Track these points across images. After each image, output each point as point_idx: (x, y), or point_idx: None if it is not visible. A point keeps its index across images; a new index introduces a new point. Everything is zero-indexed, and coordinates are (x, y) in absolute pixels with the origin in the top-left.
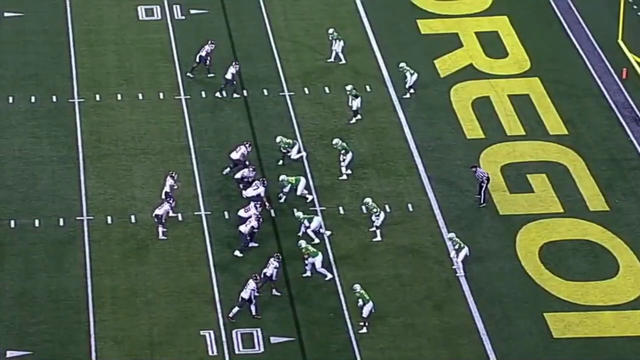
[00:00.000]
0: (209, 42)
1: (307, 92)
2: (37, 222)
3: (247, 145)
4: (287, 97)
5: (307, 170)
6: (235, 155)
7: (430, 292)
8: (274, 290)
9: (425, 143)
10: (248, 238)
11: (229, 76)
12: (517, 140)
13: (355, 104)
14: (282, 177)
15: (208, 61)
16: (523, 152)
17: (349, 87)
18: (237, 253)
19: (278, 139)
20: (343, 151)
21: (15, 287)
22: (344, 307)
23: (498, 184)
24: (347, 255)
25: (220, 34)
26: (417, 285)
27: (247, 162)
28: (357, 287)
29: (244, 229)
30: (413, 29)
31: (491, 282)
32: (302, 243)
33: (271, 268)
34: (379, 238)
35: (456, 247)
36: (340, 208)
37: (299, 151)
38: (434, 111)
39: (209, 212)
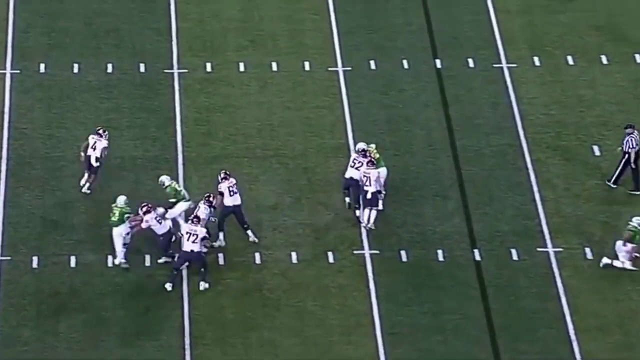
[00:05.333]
0: None
1: (537, 62)
2: (109, 260)
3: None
4: (506, 71)
5: (535, 189)
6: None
7: None
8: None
9: None
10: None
11: None
12: None
13: None
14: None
15: None
16: None
17: None
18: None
19: None
20: None
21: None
22: None
23: None
24: (598, 326)
25: None
26: None
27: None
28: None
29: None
30: None
31: None
32: None
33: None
34: None
35: None
36: (587, 250)
37: None
38: None
39: (377, 251)
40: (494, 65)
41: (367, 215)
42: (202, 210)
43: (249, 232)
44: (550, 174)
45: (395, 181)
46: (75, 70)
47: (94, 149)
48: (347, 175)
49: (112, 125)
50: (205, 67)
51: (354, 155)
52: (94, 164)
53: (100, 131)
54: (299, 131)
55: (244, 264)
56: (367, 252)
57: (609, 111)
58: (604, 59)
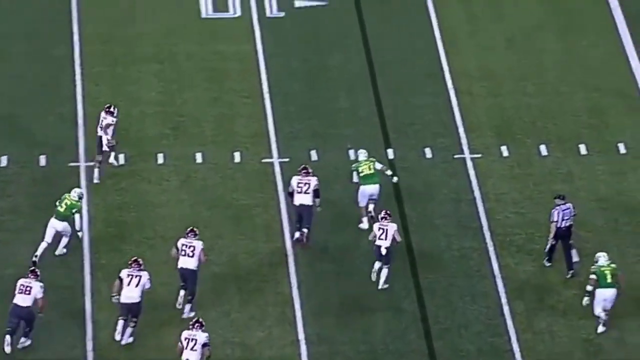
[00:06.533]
0: None
1: (505, 152)
2: None
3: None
4: (469, 162)
5: (504, 300)
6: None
7: None
8: None
9: None
10: None
11: None
12: None
13: None
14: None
15: None
16: None
17: None
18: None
19: None
20: None
21: None
22: None
23: None
24: None
25: (349, 41)
26: None
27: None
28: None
29: None
30: None
31: None
32: None
33: None
34: None
35: None
36: None
37: None
38: None
39: None
40: (455, 156)
41: (382, 277)
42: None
43: (187, 306)
44: (522, 283)
45: (342, 290)
46: None
47: (102, 128)
48: (297, 202)
49: (6, 228)
50: (117, 158)
51: (296, 178)
52: (104, 147)
53: (111, 108)
54: (228, 233)
55: None
56: None
57: (588, 209)
58: (583, 149)
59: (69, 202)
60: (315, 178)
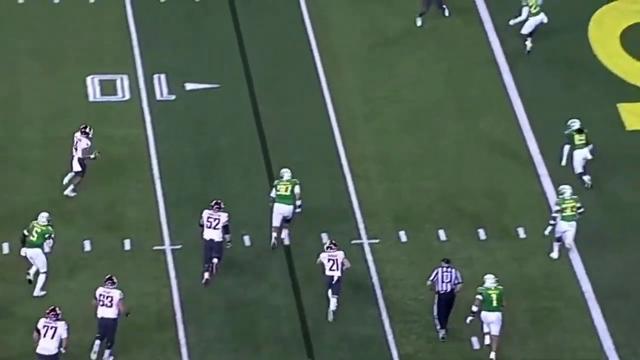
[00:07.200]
0: None
1: (404, 238)
2: None
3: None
4: (367, 248)
5: None
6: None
7: None
8: None
9: None
10: None
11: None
12: None
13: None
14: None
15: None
16: None
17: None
18: None
19: None
20: None
21: None
22: None
23: None
24: None
25: (242, 124)
26: None
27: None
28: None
29: None
30: None
31: None
32: None
33: None
34: None
35: None
36: None
37: None
38: None
39: None
40: (353, 242)
41: (333, 304)
42: None
43: (107, 351)
44: None
45: None
46: None
47: (76, 150)
48: (206, 237)
49: None
50: (1, 248)
51: (207, 212)
52: (76, 167)
53: (87, 129)
54: (119, 323)
55: None
56: None
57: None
58: (482, 234)
59: (39, 230)
60: (225, 214)
